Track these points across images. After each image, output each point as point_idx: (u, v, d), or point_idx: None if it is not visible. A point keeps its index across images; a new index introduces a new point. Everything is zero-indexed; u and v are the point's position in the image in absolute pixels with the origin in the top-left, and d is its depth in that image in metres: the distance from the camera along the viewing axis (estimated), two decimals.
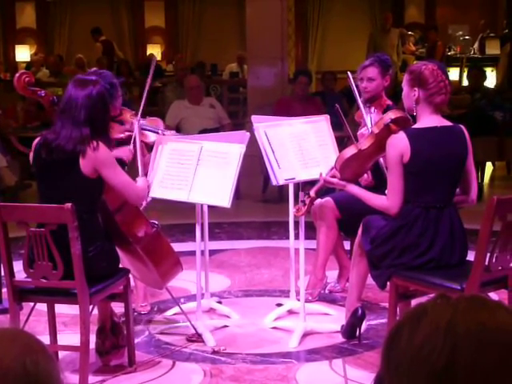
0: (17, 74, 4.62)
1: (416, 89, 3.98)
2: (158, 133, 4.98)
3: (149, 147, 5.36)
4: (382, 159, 4.51)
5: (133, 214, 4.31)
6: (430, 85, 3.96)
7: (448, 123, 4.08)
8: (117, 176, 4.05)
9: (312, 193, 4.40)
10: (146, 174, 4.58)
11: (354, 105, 4.96)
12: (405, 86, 4.07)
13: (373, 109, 5.14)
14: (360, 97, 4.99)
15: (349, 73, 4.94)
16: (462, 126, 4.11)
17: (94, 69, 5.27)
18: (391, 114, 4.16)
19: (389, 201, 4.05)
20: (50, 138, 4.03)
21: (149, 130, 5.01)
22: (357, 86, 4.97)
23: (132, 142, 4.75)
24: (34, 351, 1.21)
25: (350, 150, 4.26)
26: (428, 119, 4.01)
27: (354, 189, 4.25)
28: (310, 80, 9.01)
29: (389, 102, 5.28)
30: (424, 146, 3.96)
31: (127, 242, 4.30)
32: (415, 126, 4.04)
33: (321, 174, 4.36)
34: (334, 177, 4.27)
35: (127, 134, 4.85)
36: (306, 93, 8.82)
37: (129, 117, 4.97)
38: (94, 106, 4.02)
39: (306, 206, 4.41)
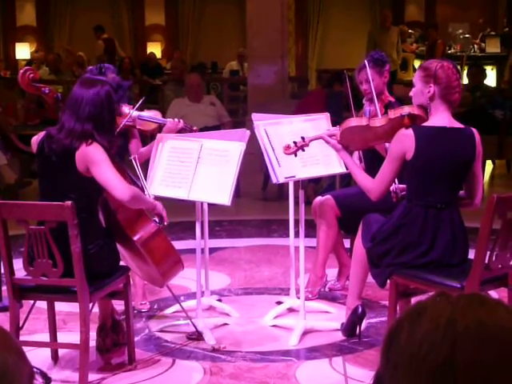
0: (21, 70, 4.63)
1: (431, 85, 3.95)
2: (159, 122, 5.08)
3: (149, 136, 5.45)
4: None
5: (134, 212, 4.30)
6: (446, 82, 3.93)
7: (459, 125, 4.03)
8: (101, 173, 3.94)
9: (307, 139, 4.35)
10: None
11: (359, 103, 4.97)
12: (418, 82, 4.02)
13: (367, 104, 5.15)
14: (365, 94, 5.02)
15: (345, 72, 4.95)
16: (473, 130, 4.05)
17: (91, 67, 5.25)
18: (411, 109, 4.07)
19: (374, 184, 4.06)
20: (53, 133, 4.04)
21: (151, 120, 5.10)
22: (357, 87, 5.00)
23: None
24: (6, 348, 1.19)
25: (359, 121, 4.24)
26: (440, 117, 3.97)
27: (346, 156, 4.23)
28: None
29: (391, 99, 5.27)
30: (429, 145, 3.94)
31: (129, 239, 4.30)
32: (425, 124, 4.01)
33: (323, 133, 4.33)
34: (333, 136, 4.24)
35: (125, 124, 4.88)
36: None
37: (127, 110, 5.01)
38: (99, 104, 4.02)
39: (296, 148, 4.35)
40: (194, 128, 5.30)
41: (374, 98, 4.84)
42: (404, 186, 4.25)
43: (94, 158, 3.94)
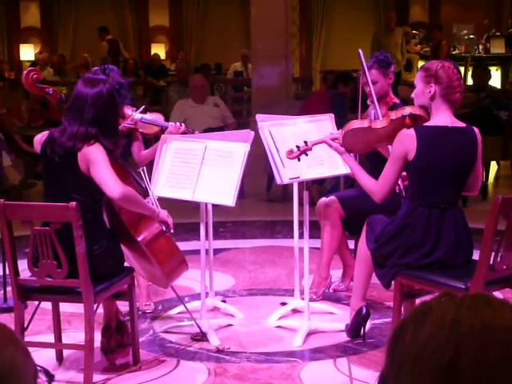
0: (25, 71, 4.64)
1: (432, 85, 3.95)
2: (161, 126, 5.09)
3: (152, 138, 5.44)
4: None
5: (138, 213, 4.30)
6: (446, 82, 3.93)
7: (461, 124, 4.03)
8: (98, 172, 3.92)
9: (309, 144, 4.35)
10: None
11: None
12: (419, 82, 4.02)
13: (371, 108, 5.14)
14: (369, 96, 5.01)
15: (360, 50, 4.77)
16: (475, 129, 4.05)
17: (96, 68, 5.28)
18: (412, 110, 4.07)
19: (378, 186, 4.05)
20: (56, 136, 4.03)
21: (153, 124, 5.10)
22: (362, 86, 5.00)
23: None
24: (13, 344, 1.19)
25: (361, 123, 4.24)
26: (441, 117, 3.97)
27: (349, 159, 4.23)
28: None
29: (395, 100, 5.26)
30: (431, 145, 3.94)
31: (133, 240, 4.30)
32: (427, 124, 4.01)
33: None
34: (336, 139, 4.24)
35: (126, 126, 4.89)
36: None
37: (130, 112, 5.01)
38: (103, 105, 4.00)
39: (299, 153, 4.35)
40: (196, 132, 5.30)
41: (374, 101, 4.83)
42: (405, 173, 4.22)
43: (93, 158, 3.93)
